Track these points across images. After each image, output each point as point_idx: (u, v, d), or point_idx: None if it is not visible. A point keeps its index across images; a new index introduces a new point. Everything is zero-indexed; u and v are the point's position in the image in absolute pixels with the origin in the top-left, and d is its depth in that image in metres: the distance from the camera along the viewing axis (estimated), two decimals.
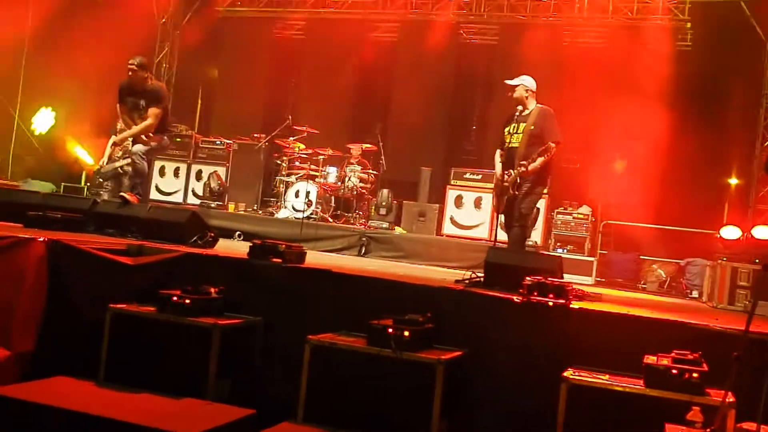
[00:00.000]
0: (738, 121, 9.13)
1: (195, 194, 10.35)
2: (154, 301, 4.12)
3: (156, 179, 10.52)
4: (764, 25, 9.04)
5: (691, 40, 9.80)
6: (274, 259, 4.58)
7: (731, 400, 3.19)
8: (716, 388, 3.26)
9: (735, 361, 3.07)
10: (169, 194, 10.53)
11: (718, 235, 7.73)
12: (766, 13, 8.99)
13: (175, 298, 4.04)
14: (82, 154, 10.73)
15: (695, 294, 7.97)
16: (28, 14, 10.06)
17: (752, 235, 7.23)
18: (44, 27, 9.93)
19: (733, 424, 3.15)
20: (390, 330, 3.68)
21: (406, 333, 3.67)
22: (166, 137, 7.00)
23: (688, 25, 9.73)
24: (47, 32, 9.87)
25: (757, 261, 6.07)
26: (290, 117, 10.17)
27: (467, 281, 4.73)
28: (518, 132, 5.77)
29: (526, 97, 5.84)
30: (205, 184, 10.17)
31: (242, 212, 9.70)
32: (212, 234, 5.70)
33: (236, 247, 6.29)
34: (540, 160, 5.56)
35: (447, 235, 9.12)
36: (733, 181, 9.32)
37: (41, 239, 4.36)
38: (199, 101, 12.66)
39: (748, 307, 4.52)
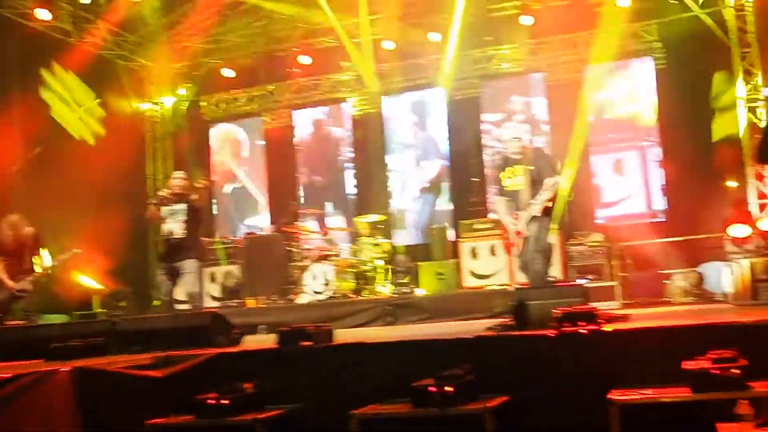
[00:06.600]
0: None
1: (212, 297, 10.34)
2: (191, 408, 4.09)
3: None
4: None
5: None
6: (304, 343, 4.59)
7: None
8: (758, 381, 3.25)
9: None
10: (185, 302, 10.51)
11: (728, 236, 7.73)
12: None
13: (211, 401, 4.01)
14: (87, 281, 10.58)
15: (719, 297, 7.90)
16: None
17: (759, 228, 7.25)
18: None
19: None
20: (432, 388, 3.68)
21: (449, 388, 3.66)
22: None
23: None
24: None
25: None
26: (293, 202, 10.34)
27: (499, 327, 4.75)
28: (515, 175, 5.90)
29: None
30: (221, 284, 10.20)
31: (263, 305, 9.72)
32: (237, 331, 5.73)
33: (263, 340, 6.30)
34: (545, 195, 5.65)
35: (469, 288, 9.11)
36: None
37: (64, 369, 4.31)
38: None
39: None
